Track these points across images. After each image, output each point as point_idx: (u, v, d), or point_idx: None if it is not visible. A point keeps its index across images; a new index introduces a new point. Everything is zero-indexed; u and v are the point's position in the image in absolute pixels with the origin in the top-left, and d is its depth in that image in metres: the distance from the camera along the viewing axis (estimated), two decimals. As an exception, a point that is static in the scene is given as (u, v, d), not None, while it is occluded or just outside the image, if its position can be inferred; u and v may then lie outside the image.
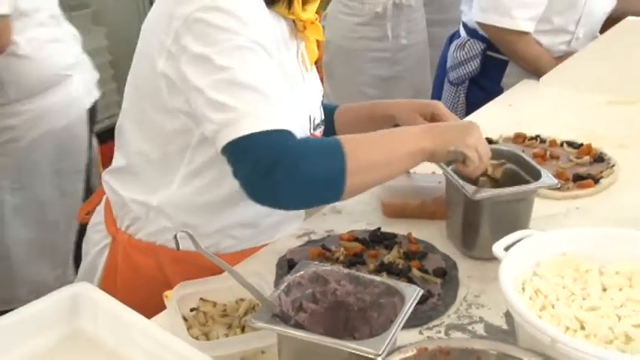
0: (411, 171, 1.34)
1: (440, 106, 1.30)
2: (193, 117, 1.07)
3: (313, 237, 1.29)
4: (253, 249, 1.25)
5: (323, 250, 1.21)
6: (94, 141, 2.24)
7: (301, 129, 1.19)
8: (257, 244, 1.26)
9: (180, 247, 1.22)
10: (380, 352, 0.78)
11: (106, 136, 2.21)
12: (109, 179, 1.27)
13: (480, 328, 1.04)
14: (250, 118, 0.99)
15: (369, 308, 0.93)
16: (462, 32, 2.26)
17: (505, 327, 1.04)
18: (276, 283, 1.08)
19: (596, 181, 1.45)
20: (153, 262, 1.23)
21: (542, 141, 1.63)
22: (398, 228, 1.28)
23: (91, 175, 2.20)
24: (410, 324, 1.00)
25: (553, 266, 0.97)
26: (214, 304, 1.07)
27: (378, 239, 1.25)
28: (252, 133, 0.98)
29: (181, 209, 1.19)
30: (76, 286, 0.92)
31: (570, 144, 1.61)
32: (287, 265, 1.18)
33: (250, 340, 0.96)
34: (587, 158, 1.54)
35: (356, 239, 1.24)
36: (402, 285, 0.91)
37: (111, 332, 0.88)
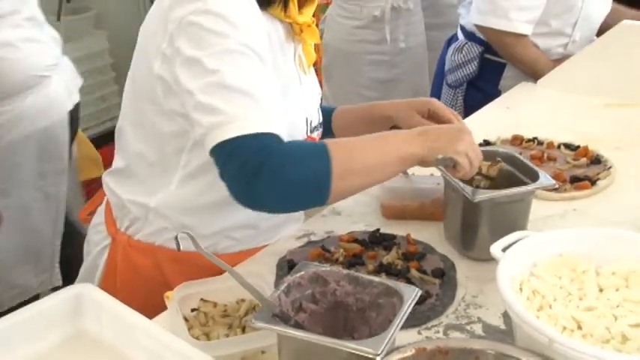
0: (410, 173, 1.35)
1: (436, 102, 1.30)
2: (188, 119, 1.08)
3: (313, 238, 1.29)
4: (252, 250, 1.25)
5: (322, 251, 1.21)
6: (74, 146, 2.19)
7: (298, 131, 1.20)
8: (256, 246, 1.26)
9: (182, 247, 1.23)
10: (379, 352, 0.79)
11: (107, 139, 2.20)
12: (108, 181, 1.28)
13: (478, 328, 1.05)
14: (238, 121, 0.99)
15: (368, 308, 0.93)
16: (460, 35, 2.26)
17: (503, 327, 1.04)
18: (276, 284, 1.08)
19: (593, 182, 1.45)
20: (152, 263, 1.23)
21: (540, 143, 1.64)
22: (397, 229, 1.28)
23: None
24: (408, 324, 1.00)
25: (550, 267, 0.97)
26: (215, 305, 1.07)
27: (377, 240, 1.25)
28: (239, 136, 0.98)
29: (179, 211, 1.19)
30: (79, 286, 0.93)
31: (567, 146, 1.61)
32: (287, 265, 1.18)
33: (251, 340, 0.96)
34: (584, 160, 1.54)
35: (355, 240, 1.25)
36: (400, 285, 0.92)
37: (113, 332, 0.89)
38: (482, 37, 2.15)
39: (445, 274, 1.15)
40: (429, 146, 1.07)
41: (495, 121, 1.81)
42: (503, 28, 2.02)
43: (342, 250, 1.20)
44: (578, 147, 1.59)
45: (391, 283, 0.93)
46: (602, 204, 1.40)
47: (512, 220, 1.18)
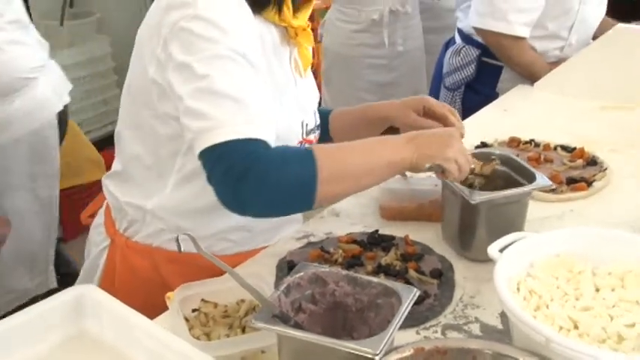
0: (408, 175, 1.35)
1: (429, 99, 1.30)
2: (180, 123, 1.08)
3: (312, 239, 1.29)
4: (249, 252, 1.25)
5: (322, 252, 1.21)
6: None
7: (293, 134, 1.19)
8: (253, 248, 1.26)
9: (176, 248, 1.23)
10: (377, 352, 0.78)
11: (109, 142, 2.19)
12: (108, 183, 1.28)
13: (475, 328, 1.04)
14: (226, 127, 0.98)
15: (367, 309, 0.93)
16: (458, 39, 2.26)
17: (500, 327, 1.04)
18: (276, 285, 1.08)
19: (589, 184, 1.45)
20: (149, 264, 1.23)
21: (537, 145, 1.64)
22: (395, 230, 1.28)
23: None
24: (407, 324, 1.00)
25: (547, 267, 0.97)
26: (215, 305, 1.07)
27: (376, 241, 1.25)
28: (226, 141, 0.98)
29: (175, 213, 1.19)
30: (81, 287, 0.92)
31: (564, 148, 1.61)
32: (287, 266, 1.18)
33: (251, 341, 0.96)
34: (580, 162, 1.54)
35: (354, 241, 1.24)
36: (399, 286, 0.91)
37: (115, 333, 0.88)
38: (479, 40, 2.15)
39: (443, 275, 1.15)
40: (418, 153, 1.07)
41: (493, 124, 1.81)
42: (501, 31, 2.02)
43: (341, 251, 1.20)
44: (575, 149, 1.59)
45: (390, 283, 0.92)
46: (598, 205, 1.40)
47: (509, 221, 1.18)
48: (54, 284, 2.18)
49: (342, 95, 2.73)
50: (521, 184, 1.19)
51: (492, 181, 1.24)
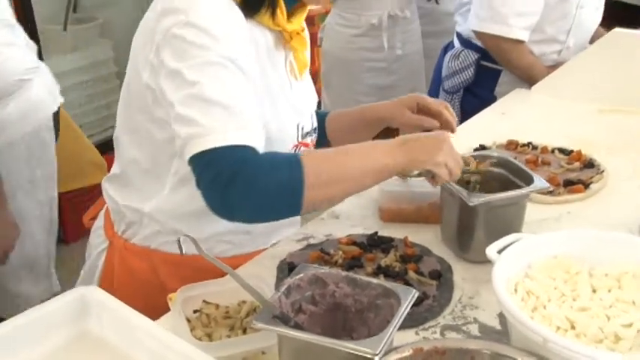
0: (409, 178, 1.35)
1: (422, 96, 1.31)
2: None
3: (312, 241, 1.29)
4: (248, 255, 1.24)
5: (322, 253, 1.21)
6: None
7: (288, 137, 1.19)
8: (251, 250, 1.26)
9: (173, 250, 1.23)
10: (377, 352, 0.79)
11: (111, 145, 2.19)
12: (107, 187, 1.28)
13: (474, 329, 1.05)
14: (214, 134, 0.98)
15: (367, 309, 0.93)
16: (456, 43, 2.26)
17: (499, 327, 1.04)
18: (277, 286, 1.08)
19: (587, 186, 1.45)
20: (147, 266, 1.23)
21: (534, 148, 1.64)
22: (394, 232, 1.28)
23: None
24: (406, 325, 1.00)
25: (544, 268, 0.97)
26: (217, 306, 1.07)
27: (376, 243, 1.25)
28: (214, 148, 0.98)
29: (172, 216, 1.19)
30: (83, 288, 0.93)
31: (561, 150, 1.61)
32: (287, 268, 1.18)
33: (252, 341, 0.96)
34: (577, 164, 1.54)
35: (354, 243, 1.25)
36: (398, 287, 0.92)
37: (117, 334, 0.89)
38: (478, 44, 2.15)
39: (442, 276, 1.15)
40: (408, 158, 1.07)
41: (491, 127, 1.81)
42: (501, 34, 2.03)
43: (341, 253, 1.20)
44: (572, 151, 1.59)
45: (389, 284, 0.93)
46: (596, 207, 1.40)
47: (507, 222, 1.18)
48: (57, 288, 2.16)
49: (341, 98, 2.73)
50: (519, 187, 1.19)
51: (490, 184, 1.24)
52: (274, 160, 1.03)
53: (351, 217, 1.37)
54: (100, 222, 1.33)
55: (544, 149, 1.62)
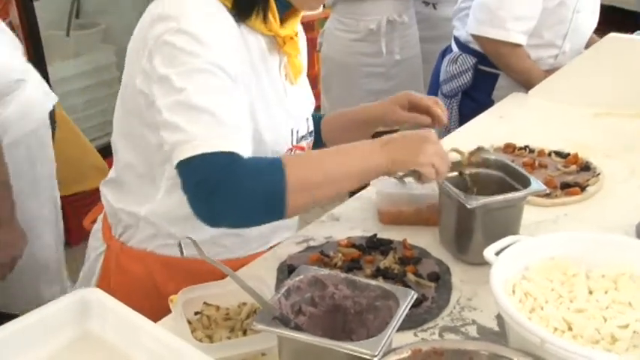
0: (406, 180, 1.35)
1: (413, 93, 1.31)
2: None
3: (312, 243, 1.29)
4: (242, 259, 1.24)
5: (322, 255, 1.21)
6: None
7: (282, 141, 1.19)
8: (246, 254, 1.25)
9: (168, 253, 1.22)
10: (376, 353, 0.78)
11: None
12: (104, 190, 1.28)
13: (472, 330, 1.04)
14: (199, 140, 0.98)
15: (366, 311, 0.93)
16: (454, 47, 2.26)
17: (496, 329, 1.04)
18: (277, 288, 1.08)
19: (583, 188, 1.45)
20: (143, 269, 1.23)
21: (532, 151, 1.64)
22: (393, 234, 1.28)
23: None
24: (405, 326, 1.00)
25: (542, 270, 0.97)
26: (217, 308, 1.07)
27: (375, 245, 1.25)
28: (199, 154, 0.97)
29: (167, 219, 1.19)
30: (85, 290, 0.93)
31: (558, 154, 1.61)
32: (287, 270, 1.18)
33: (252, 343, 0.96)
34: (574, 167, 1.54)
35: (353, 245, 1.25)
36: (397, 289, 0.92)
37: (119, 335, 0.88)
38: (476, 48, 2.15)
39: (440, 278, 1.15)
40: (392, 159, 1.06)
41: (489, 130, 1.81)
42: (499, 38, 2.03)
43: (340, 255, 1.20)
44: (569, 154, 1.60)
45: (388, 286, 0.92)
46: (592, 209, 1.40)
47: (505, 224, 1.18)
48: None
49: (340, 102, 2.72)
50: (516, 189, 1.19)
51: (488, 186, 1.24)
52: (257, 165, 1.02)
53: (351, 220, 1.37)
54: (98, 225, 1.33)
55: (541, 152, 1.62)
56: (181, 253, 0.89)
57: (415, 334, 1.03)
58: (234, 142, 1.00)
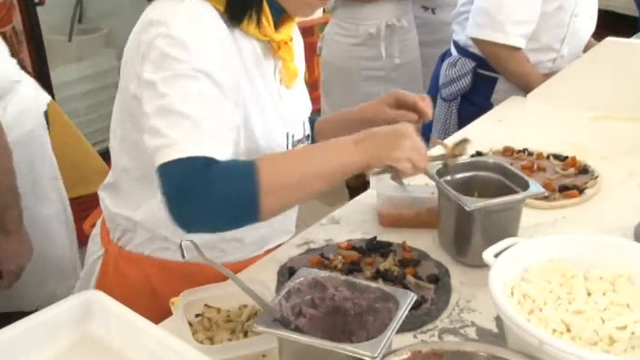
0: (406, 182, 1.35)
1: (399, 92, 1.30)
2: None
3: (312, 246, 1.29)
4: (238, 264, 1.23)
5: (322, 258, 1.21)
6: None
7: (277, 145, 1.18)
8: (243, 258, 1.25)
9: (166, 257, 1.21)
10: (376, 355, 0.78)
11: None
12: (102, 195, 1.28)
13: (471, 332, 1.04)
14: (176, 145, 0.98)
15: (366, 313, 0.93)
16: (454, 51, 2.27)
17: (495, 330, 1.04)
18: (277, 290, 1.08)
19: (581, 191, 1.45)
20: (140, 273, 1.23)
21: (530, 154, 1.64)
22: (393, 237, 1.28)
23: None
24: (404, 328, 1.00)
25: (540, 272, 0.97)
26: (218, 310, 1.07)
27: (374, 248, 1.25)
28: (175, 159, 0.97)
29: (163, 224, 1.17)
30: (88, 292, 0.93)
31: (556, 157, 1.61)
32: (288, 272, 1.18)
33: (252, 344, 0.96)
34: (572, 170, 1.54)
35: (353, 248, 1.25)
36: (396, 291, 0.91)
37: (121, 337, 0.88)
38: (475, 52, 2.15)
39: (440, 280, 1.15)
40: (368, 154, 1.04)
41: (488, 133, 1.81)
42: (499, 41, 2.03)
43: (340, 258, 1.20)
44: (567, 157, 1.60)
45: (388, 288, 0.92)
46: (590, 212, 1.40)
47: (503, 227, 1.18)
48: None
49: (340, 106, 2.70)
50: (515, 192, 1.19)
51: (487, 189, 1.24)
52: (230, 168, 1.00)
53: (351, 223, 1.37)
54: (97, 229, 1.33)
55: (539, 155, 1.63)
56: (182, 255, 0.89)
57: (415, 336, 1.03)
58: (211, 146, 0.99)
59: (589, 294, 0.94)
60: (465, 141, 1.22)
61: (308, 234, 1.34)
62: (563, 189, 1.45)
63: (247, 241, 1.24)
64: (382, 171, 1.09)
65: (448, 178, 1.23)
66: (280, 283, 1.15)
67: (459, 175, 1.26)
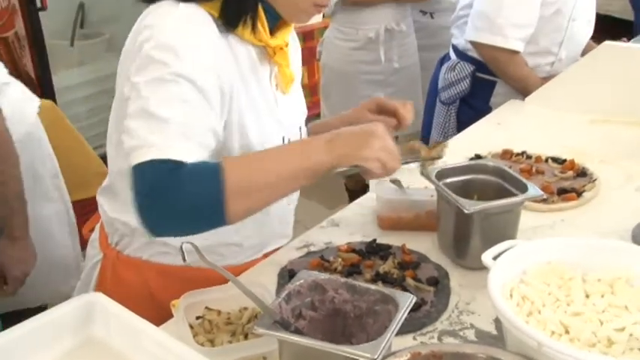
0: (405, 186, 1.35)
1: (380, 98, 1.29)
2: None
3: (313, 248, 1.29)
4: (238, 267, 1.22)
5: (322, 260, 1.21)
6: None
7: None
8: (241, 262, 1.25)
9: (164, 261, 1.21)
10: (375, 356, 0.78)
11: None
12: (100, 199, 1.28)
13: (470, 334, 1.04)
14: (151, 147, 0.97)
15: (366, 315, 0.93)
16: (452, 55, 2.27)
17: (495, 332, 1.04)
18: (278, 292, 1.08)
19: (579, 194, 1.45)
20: (138, 277, 1.23)
21: (529, 157, 1.64)
22: (393, 240, 1.28)
23: None
24: (404, 330, 1.00)
25: (539, 274, 0.97)
26: (219, 313, 1.07)
27: (374, 250, 1.25)
28: (148, 161, 0.96)
29: None
30: (90, 295, 0.92)
31: (555, 160, 1.61)
32: (288, 275, 1.18)
33: (253, 347, 0.96)
34: (570, 173, 1.54)
35: (353, 250, 1.25)
36: (396, 293, 0.91)
37: (122, 339, 0.88)
38: (474, 56, 2.16)
39: (439, 282, 1.15)
40: (336, 154, 1.03)
41: (486, 137, 1.81)
42: (498, 44, 2.03)
43: (340, 260, 1.20)
44: (565, 161, 1.60)
45: (387, 290, 0.92)
46: (588, 215, 1.40)
47: (502, 230, 1.18)
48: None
49: (340, 110, 2.71)
50: (513, 195, 1.19)
51: (486, 192, 1.24)
52: (195, 172, 0.99)
53: (351, 225, 1.37)
54: (95, 234, 1.32)
55: (538, 158, 1.63)
56: (183, 259, 0.89)
57: (414, 338, 1.03)
58: (185, 150, 0.98)
59: (587, 296, 0.94)
60: (442, 144, 1.22)
61: (308, 237, 1.34)
62: (562, 192, 1.45)
63: (246, 245, 1.24)
64: (349, 170, 1.07)
65: (447, 180, 1.23)
66: (280, 286, 1.15)
67: (458, 178, 1.26)
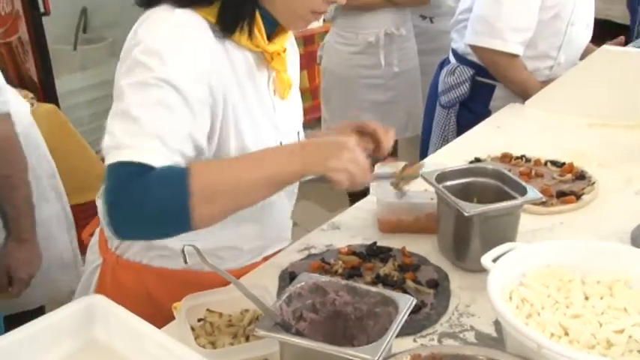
0: (405, 188, 1.35)
1: (363, 120, 1.28)
2: None
3: (313, 251, 1.29)
4: (240, 270, 1.22)
5: (322, 263, 1.21)
6: None
7: None
8: (241, 265, 1.24)
9: (163, 265, 1.20)
10: (376, 358, 0.78)
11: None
12: (99, 203, 1.27)
13: (470, 336, 1.04)
14: (125, 149, 0.97)
15: (366, 317, 0.93)
16: (452, 59, 2.27)
17: (494, 334, 1.04)
18: (279, 294, 1.07)
19: (578, 197, 1.45)
20: (138, 282, 1.23)
21: (528, 160, 1.64)
22: (393, 242, 1.28)
23: None
24: (404, 332, 1.00)
25: (538, 276, 0.96)
26: (220, 315, 1.06)
27: (374, 253, 1.25)
28: (121, 161, 0.96)
29: None
30: (91, 297, 0.92)
31: (554, 163, 1.61)
32: (289, 277, 1.18)
33: (254, 349, 0.96)
34: (569, 176, 1.54)
35: (353, 253, 1.24)
36: (396, 295, 0.91)
37: (124, 342, 0.88)
38: (473, 60, 2.16)
39: (439, 285, 1.15)
40: (302, 164, 1.02)
41: (486, 140, 1.81)
42: (497, 48, 2.03)
43: (341, 263, 1.20)
44: (564, 164, 1.60)
45: (387, 293, 0.92)
46: (587, 217, 1.40)
47: (502, 232, 1.17)
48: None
49: (340, 114, 2.74)
50: (513, 198, 1.19)
51: (485, 195, 1.24)
52: (162, 176, 0.97)
53: (351, 228, 1.37)
54: (95, 238, 1.32)
55: (537, 162, 1.63)
56: (185, 261, 0.89)
57: (414, 340, 1.03)
58: (154, 154, 0.97)
59: (586, 298, 0.94)
60: (419, 165, 1.22)
61: (309, 239, 1.34)
62: (561, 195, 1.45)
63: (246, 248, 1.24)
64: (313, 179, 1.07)
65: (447, 183, 1.23)
66: (281, 288, 1.15)
67: (457, 181, 1.26)
